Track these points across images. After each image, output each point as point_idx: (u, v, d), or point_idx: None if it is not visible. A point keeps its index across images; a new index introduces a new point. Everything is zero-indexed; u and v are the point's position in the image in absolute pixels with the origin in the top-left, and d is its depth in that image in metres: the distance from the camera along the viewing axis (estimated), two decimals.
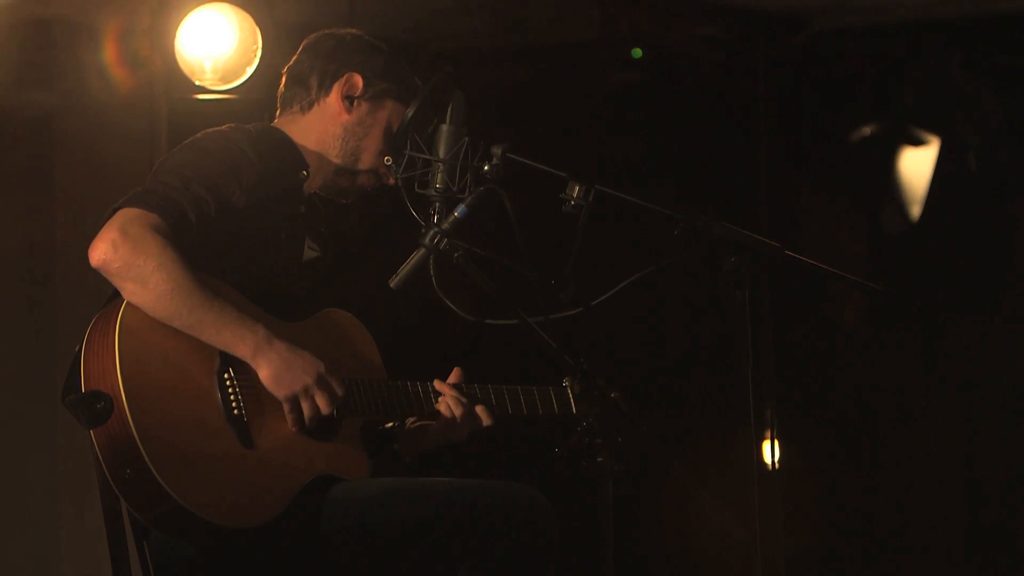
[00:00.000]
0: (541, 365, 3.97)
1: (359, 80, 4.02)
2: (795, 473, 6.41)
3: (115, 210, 3.66)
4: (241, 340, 3.64)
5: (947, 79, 6.72)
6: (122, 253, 3.58)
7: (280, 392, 3.67)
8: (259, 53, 5.72)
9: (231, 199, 3.75)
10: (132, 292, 3.60)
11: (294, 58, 4.10)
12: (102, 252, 3.59)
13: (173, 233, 3.63)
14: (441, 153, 3.84)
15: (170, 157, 3.82)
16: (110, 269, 3.59)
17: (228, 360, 3.66)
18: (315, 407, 3.69)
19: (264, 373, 3.66)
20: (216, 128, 3.88)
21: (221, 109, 5.67)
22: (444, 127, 3.86)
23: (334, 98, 4.01)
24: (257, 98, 5.61)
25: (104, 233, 3.61)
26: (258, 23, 5.72)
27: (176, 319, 3.61)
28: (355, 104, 4.02)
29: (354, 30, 4.12)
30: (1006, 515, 6.61)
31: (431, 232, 3.76)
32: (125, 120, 6.16)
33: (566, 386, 4.08)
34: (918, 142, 6.77)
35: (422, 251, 3.76)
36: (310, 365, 3.69)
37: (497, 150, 3.82)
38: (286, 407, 3.68)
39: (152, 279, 3.58)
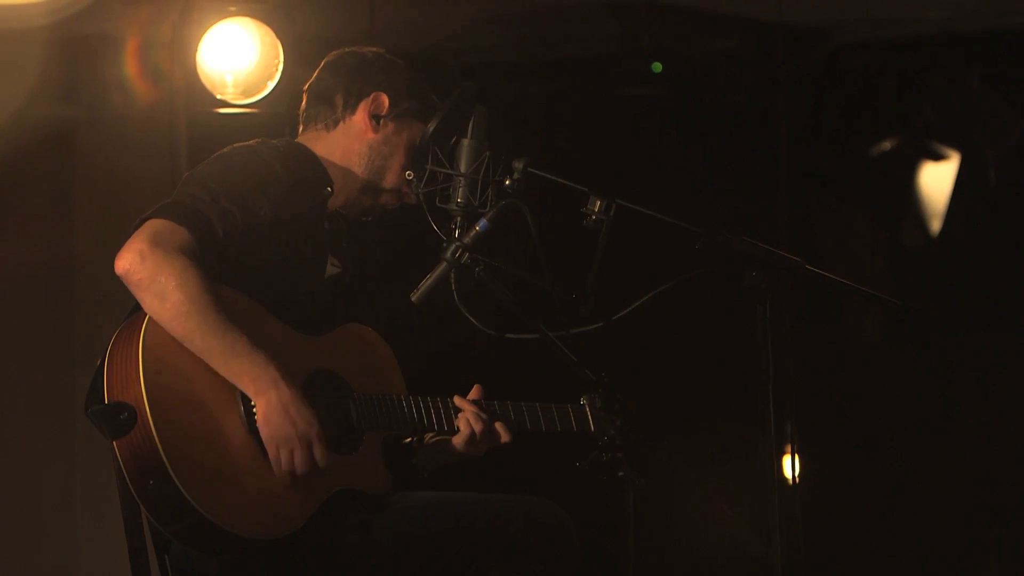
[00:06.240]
0: (562, 379, 3.98)
1: (385, 99, 4.03)
2: (815, 486, 6.40)
3: (143, 221, 3.67)
4: (247, 375, 3.63)
5: (967, 94, 6.72)
6: (148, 265, 3.59)
7: (263, 432, 3.64)
8: (281, 67, 5.72)
9: (258, 214, 3.76)
10: (151, 305, 3.61)
11: (315, 76, 4.11)
12: (128, 262, 3.60)
13: (200, 247, 3.65)
14: (462, 167, 3.85)
15: (198, 170, 3.84)
16: (132, 279, 3.60)
17: None
18: (291, 463, 3.66)
19: (259, 411, 3.64)
20: (244, 143, 3.90)
21: (242, 123, 5.68)
22: (465, 141, 3.87)
23: (360, 116, 4.02)
24: (278, 112, 5.61)
25: (132, 243, 3.62)
26: (280, 37, 5.73)
27: (188, 341, 3.61)
28: (381, 123, 4.02)
29: (375, 48, 4.13)
30: None
31: (452, 246, 3.77)
32: (146, 133, 6.17)
33: (583, 404, 4.08)
34: (938, 156, 6.76)
35: (443, 265, 3.77)
36: (304, 424, 3.64)
37: (518, 164, 3.83)
38: (269, 449, 3.66)
39: (171, 296, 3.58)
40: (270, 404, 3.63)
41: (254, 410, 3.64)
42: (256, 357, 3.64)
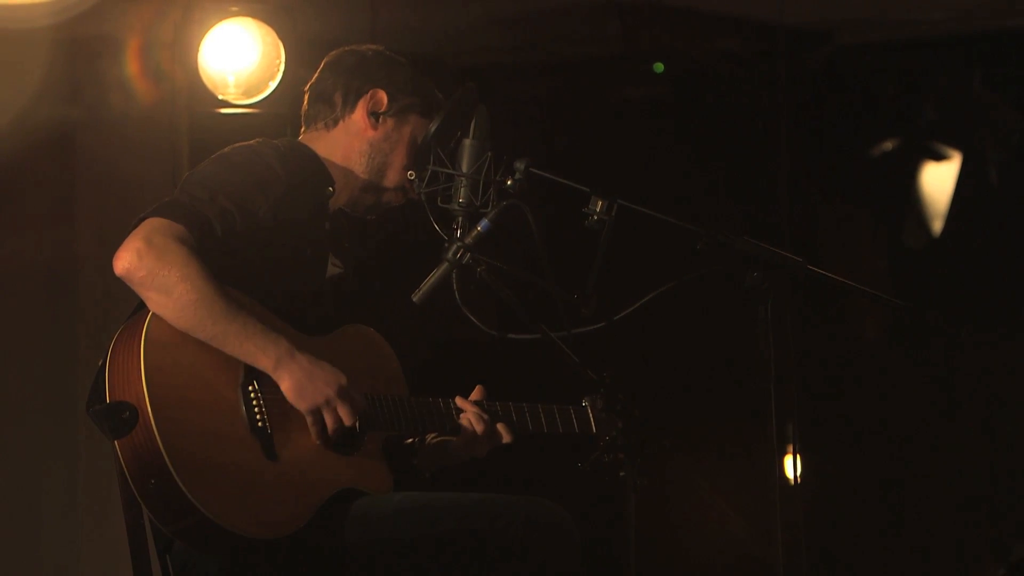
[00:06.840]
0: (564, 380, 3.98)
1: (383, 96, 4.02)
2: (817, 487, 6.40)
3: (141, 220, 3.67)
4: (263, 352, 3.65)
5: (968, 94, 6.72)
6: (147, 262, 3.59)
7: (302, 404, 3.67)
8: (282, 67, 5.73)
9: (257, 213, 3.76)
10: (156, 302, 3.61)
11: (316, 76, 4.10)
12: (127, 261, 3.60)
13: (198, 245, 3.64)
14: (464, 168, 3.85)
15: (198, 170, 3.84)
16: (134, 278, 3.60)
17: (252, 372, 3.66)
18: (338, 419, 3.69)
19: (286, 385, 3.66)
20: (244, 142, 3.89)
21: (243, 123, 5.68)
22: (467, 142, 3.86)
23: (359, 114, 4.02)
24: (280, 112, 5.62)
25: (129, 242, 3.62)
26: (281, 38, 5.74)
27: (199, 330, 3.62)
28: (380, 120, 4.02)
29: (375, 46, 4.13)
30: None
31: (454, 247, 3.76)
32: (147, 133, 6.18)
33: (586, 405, 4.09)
34: (939, 157, 6.76)
35: (445, 266, 3.76)
36: (332, 377, 3.69)
37: (520, 165, 3.83)
38: (309, 420, 3.68)
39: (176, 289, 3.59)
40: (294, 375, 3.65)
41: (255, 406, 3.65)
42: (269, 334, 3.65)
